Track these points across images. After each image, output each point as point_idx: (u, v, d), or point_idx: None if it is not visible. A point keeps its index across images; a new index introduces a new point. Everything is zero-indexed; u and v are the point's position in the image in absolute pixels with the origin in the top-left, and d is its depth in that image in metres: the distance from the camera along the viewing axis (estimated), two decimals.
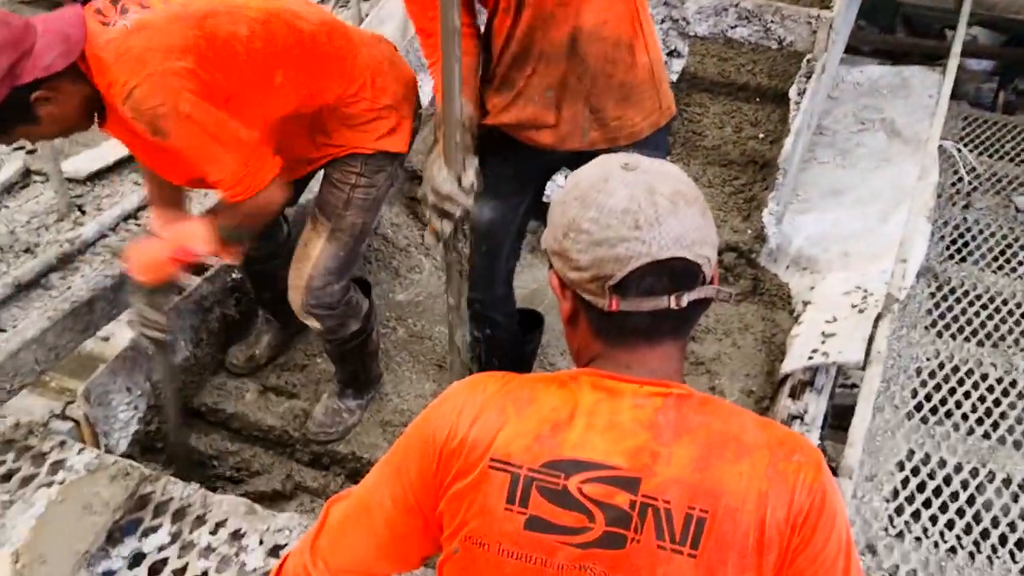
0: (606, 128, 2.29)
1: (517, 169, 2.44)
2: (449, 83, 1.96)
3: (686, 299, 1.17)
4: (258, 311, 3.11)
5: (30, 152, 3.38)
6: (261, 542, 1.98)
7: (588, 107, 2.26)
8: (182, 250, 2.27)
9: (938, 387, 2.75)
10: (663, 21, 4.01)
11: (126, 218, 3.09)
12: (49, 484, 2.08)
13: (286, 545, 1.97)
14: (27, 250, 2.89)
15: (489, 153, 2.32)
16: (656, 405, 1.18)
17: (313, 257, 2.50)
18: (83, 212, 3.09)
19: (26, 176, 3.27)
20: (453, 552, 1.24)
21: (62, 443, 2.21)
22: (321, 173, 2.59)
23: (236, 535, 2.00)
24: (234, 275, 3.13)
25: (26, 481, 2.11)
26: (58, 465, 2.13)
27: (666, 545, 1.12)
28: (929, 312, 3.06)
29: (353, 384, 2.90)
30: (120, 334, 2.98)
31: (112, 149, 3.35)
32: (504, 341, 2.72)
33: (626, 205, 1.16)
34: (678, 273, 1.17)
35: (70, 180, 3.20)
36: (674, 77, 3.99)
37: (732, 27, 4.03)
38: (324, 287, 2.52)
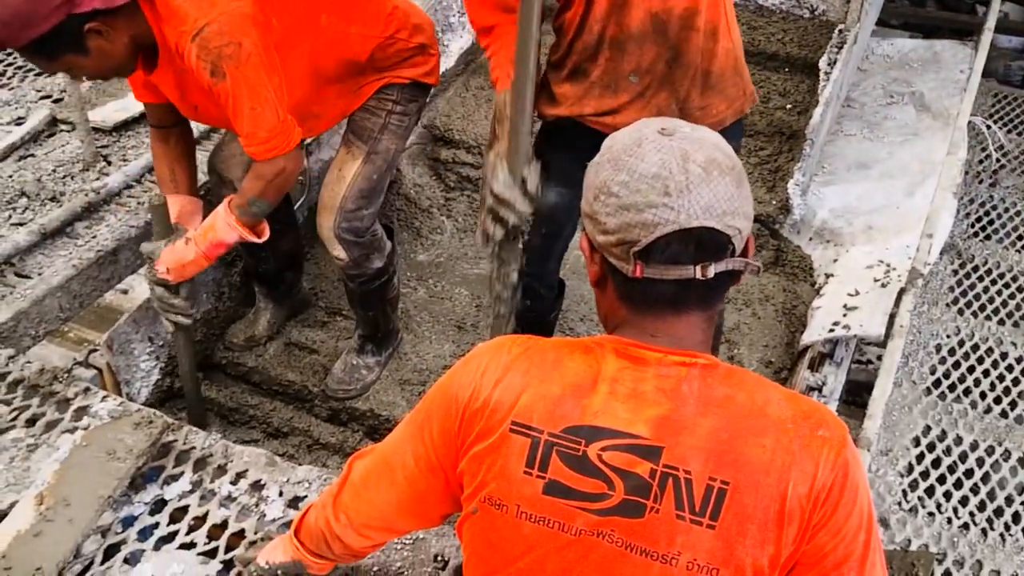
0: (690, 119, 2.13)
1: (585, 157, 2.39)
2: (522, 89, 1.94)
3: (712, 270, 1.15)
4: (255, 290, 3.09)
5: (57, 101, 3.39)
6: (281, 493, 2.00)
7: (674, 97, 2.18)
8: (213, 245, 2.35)
9: (957, 364, 2.75)
10: None
11: (151, 169, 3.10)
12: (73, 430, 2.10)
13: (305, 497, 1.99)
14: (53, 198, 2.91)
15: (557, 141, 2.29)
16: (681, 375, 1.17)
17: (348, 178, 2.56)
18: (109, 162, 3.10)
19: (53, 125, 3.28)
20: (472, 512, 1.25)
21: (86, 390, 2.23)
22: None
23: (256, 485, 2.03)
24: None
25: (51, 426, 2.14)
26: (82, 411, 2.16)
27: (685, 515, 1.12)
28: (951, 289, 3.05)
29: (373, 337, 2.91)
30: (140, 287, 2.99)
31: None
32: (538, 310, 2.72)
33: (657, 171, 1.15)
34: (705, 243, 1.16)
35: (96, 130, 3.21)
36: None
37: None
38: (356, 210, 2.58)
